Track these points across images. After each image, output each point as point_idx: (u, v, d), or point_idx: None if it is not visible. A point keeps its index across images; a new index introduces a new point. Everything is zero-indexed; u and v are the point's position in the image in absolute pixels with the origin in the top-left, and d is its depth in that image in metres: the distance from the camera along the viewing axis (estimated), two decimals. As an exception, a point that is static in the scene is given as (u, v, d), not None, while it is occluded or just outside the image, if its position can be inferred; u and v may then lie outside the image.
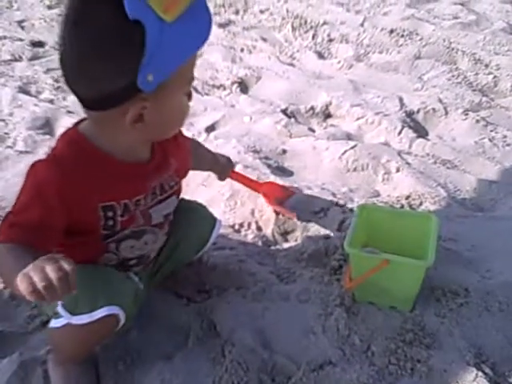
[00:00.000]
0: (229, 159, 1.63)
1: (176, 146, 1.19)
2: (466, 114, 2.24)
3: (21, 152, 2.07)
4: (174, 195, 1.22)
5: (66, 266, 0.79)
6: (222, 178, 1.65)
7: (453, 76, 2.61)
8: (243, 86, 2.61)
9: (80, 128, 1.06)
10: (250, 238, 1.64)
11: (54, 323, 1.10)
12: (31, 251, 0.91)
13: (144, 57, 0.87)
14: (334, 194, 1.79)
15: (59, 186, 0.99)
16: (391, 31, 3.07)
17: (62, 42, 0.93)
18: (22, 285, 0.78)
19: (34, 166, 1.02)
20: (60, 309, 1.05)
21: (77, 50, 0.91)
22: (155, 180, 1.14)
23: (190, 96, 1.06)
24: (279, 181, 1.84)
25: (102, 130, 1.03)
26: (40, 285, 0.77)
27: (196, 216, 1.38)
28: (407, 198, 1.74)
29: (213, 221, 1.42)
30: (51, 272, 0.78)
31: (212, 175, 1.88)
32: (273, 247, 1.61)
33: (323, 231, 1.63)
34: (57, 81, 2.59)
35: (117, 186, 1.07)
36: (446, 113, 2.27)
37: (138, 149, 1.10)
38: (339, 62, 2.81)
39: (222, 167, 1.61)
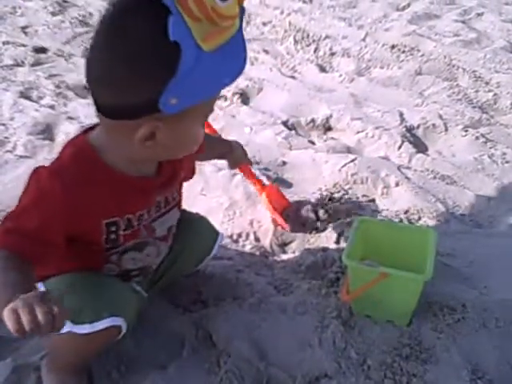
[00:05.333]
0: (243, 148, 1.63)
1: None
2: (466, 131, 2.25)
3: (20, 156, 2.07)
4: (176, 207, 1.20)
5: (56, 309, 0.79)
6: (233, 166, 1.66)
7: (453, 92, 2.62)
8: (244, 97, 2.62)
9: (88, 137, 1.03)
10: (247, 248, 1.64)
11: None
12: (23, 267, 0.91)
13: (172, 79, 0.84)
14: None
15: (60, 199, 0.96)
16: (393, 47, 3.08)
17: (92, 46, 0.91)
18: (9, 321, 0.78)
19: (36, 172, 0.99)
20: None
21: (107, 57, 0.89)
22: (161, 194, 1.13)
23: (203, 126, 1.05)
24: (278, 192, 1.84)
25: (112, 139, 0.99)
26: (28, 326, 0.77)
27: (198, 228, 1.37)
28: (406, 212, 1.74)
29: (215, 234, 1.42)
30: (40, 314, 0.77)
31: (210, 184, 1.88)
32: (270, 258, 1.61)
33: (321, 243, 1.63)
34: (58, 87, 2.60)
35: (121, 201, 1.05)
36: (446, 129, 2.28)
37: (145, 164, 1.08)
38: (340, 76, 2.82)
39: (235, 155, 1.60)
